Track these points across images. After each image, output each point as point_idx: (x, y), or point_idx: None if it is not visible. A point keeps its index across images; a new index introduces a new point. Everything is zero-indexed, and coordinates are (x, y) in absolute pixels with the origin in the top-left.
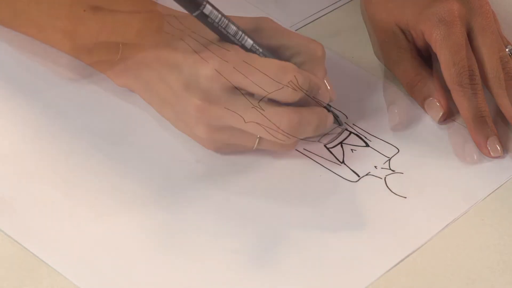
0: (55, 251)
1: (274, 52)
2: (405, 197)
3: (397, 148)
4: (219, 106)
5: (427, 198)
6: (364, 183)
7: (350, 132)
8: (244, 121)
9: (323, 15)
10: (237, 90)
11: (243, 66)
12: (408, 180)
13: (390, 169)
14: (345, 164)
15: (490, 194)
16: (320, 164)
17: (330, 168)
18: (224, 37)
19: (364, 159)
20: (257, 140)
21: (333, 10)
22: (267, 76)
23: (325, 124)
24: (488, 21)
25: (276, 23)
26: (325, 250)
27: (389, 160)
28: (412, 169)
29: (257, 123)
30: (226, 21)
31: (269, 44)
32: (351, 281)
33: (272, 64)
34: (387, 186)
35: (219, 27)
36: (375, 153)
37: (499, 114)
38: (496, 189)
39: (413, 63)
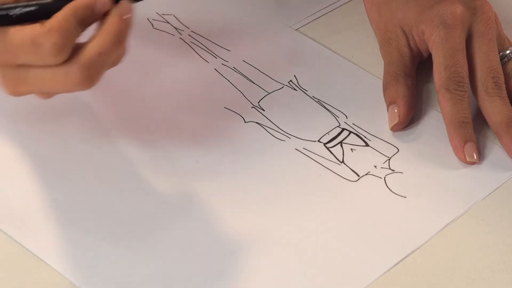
0: (55, 251)
1: None
2: (405, 197)
3: (397, 148)
4: (20, 86)
5: (427, 198)
6: (363, 182)
7: (350, 132)
8: (43, 89)
9: (323, 15)
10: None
11: (3, 47)
12: (408, 180)
13: (389, 168)
14: (344, 163)
15: (489, 194)
16: (320, 164)
17: (329, 168)
18: None
19: (363, 159)
20: None
21: (333, 10)
22: (24, 52)
23: (116, 44)
24: (489, 27)
25: None
26: (325, 250)
27: (389, 159)
28: (412, 169)
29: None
30: None
31: None
32: (351, 281)
33: (22, 40)
34: (387, 186)
35: None
36: (375, 153)
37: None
38: (496, 189)
39: (399, 68)
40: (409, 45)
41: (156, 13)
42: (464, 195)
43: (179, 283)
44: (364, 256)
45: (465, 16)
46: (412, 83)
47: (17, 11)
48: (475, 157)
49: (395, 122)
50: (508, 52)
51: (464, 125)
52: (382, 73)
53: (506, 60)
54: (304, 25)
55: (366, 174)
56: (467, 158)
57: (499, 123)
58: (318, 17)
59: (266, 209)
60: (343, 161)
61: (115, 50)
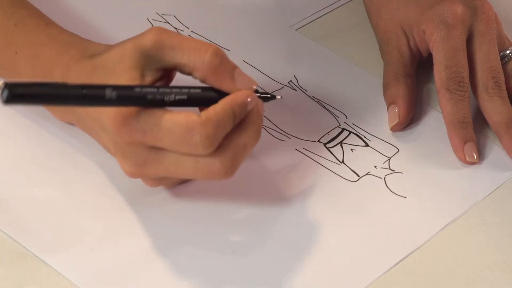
0: (55, 251)
1: (172, 71)
2: (405, 197)
3: (397, 148)
4: (149, 167)
5: (427, 198)
6: (363, 182)
7: (350, 132)
8: (180, 174)
9: (323, 15)
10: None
11: (151, 131)
12: (408, 180)
13: (389, 168)
14: (344, 163)
15: (489, 194)
16: (320, 164)
17: (329, 168)
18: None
19: (363, 159)
20: None
21: (333, 10)
22: (175, 141)
23: (258, 137)
24: (489, 27)
25: (160, 35)
26: (325, 250)
27: (389, 159)
28: (412, 169)
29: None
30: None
31: (163, 65)
32: (351, 281)
33: (177, 124)
34: (387, 186)
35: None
36: (374, 153)
37: (480, 125)
38: (496, 189)
39: (399, 68)
40: (409, 45)
41: (156, 13)
42: (464, 195)
43: (179, 283)
44: (364, 256)
45: (465, 16)
46: (412, 83)
47: (171, 98)
48: (475, 157)
49: (395, 122)
50: (508, 52)
51: (464, 125)
52: (382, 73)
53: (506, 60)
54: (304, 25)
55: (366, 174)
56: (467, 158)
57: (499, 123)
58: (318, 17)
59: (266, 209)
60: (343, 161)
61: (255, 143)
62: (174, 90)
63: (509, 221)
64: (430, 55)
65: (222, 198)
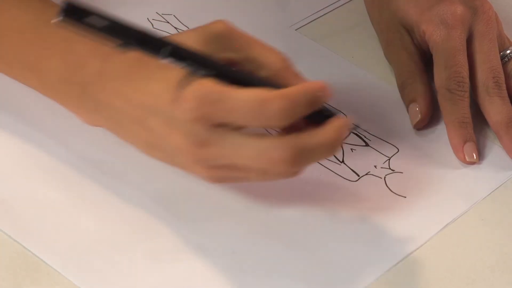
0: (55, 251)
1: (236, 65)
2: (405, 197)
3: (397, 148)
4: (211, 147)
5: (427, 198)
6: (363, 182)
7: (350, 132)
8: (241, 158)
9: (323, 15)
10: (225, 126)
11: (223, 103)
12: (408, 180)
13: (389, 168)
14: (344, 163)
15: (489, 194)
16: (320, 164)
17: (329, 168)
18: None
19: (363, 159)
20: None
21: (333, 10)
22: (249, 112)
23: (329, 152)
24: (489, 27)
25: (230, 26)
26: (324, 250)
27: (389, 159)
28: (412, 169)
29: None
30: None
31: (229, 57)
32: (351, 281)
33: (251, 96)
34: (387, 186)
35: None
36: (374, 153)
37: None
38: (496, 189)
39: (412, 67)
40: (413, 42)
41: (156, 13)
42: (464, 195)
43: (179, 283)
44: (364, 256)
45: (465, 16)
46: (427, 78)
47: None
48: (475, 157)
49: (418, 119)
50: (508, 52)
51: (464, 125)
52: (382, 73)
53: (507, 60)
54: (304, 25)
55: (366, 174)
56: (466, 158)
57: (499, 123)
58: (318, 17)
59: (266, 208)
60: (343, 161)
61: (324, 152)
62: (244, 73)
63: (509, 221)
64: (430, 55)
65: (222, 198)
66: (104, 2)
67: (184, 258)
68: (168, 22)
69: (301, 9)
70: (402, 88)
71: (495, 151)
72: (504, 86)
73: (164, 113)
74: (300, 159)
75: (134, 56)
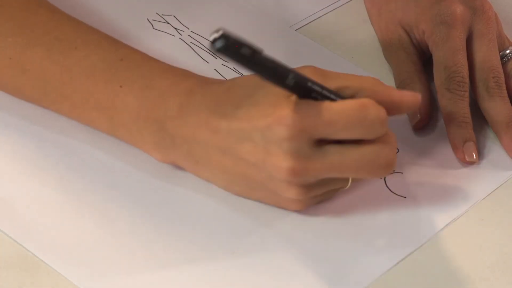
0: (55, 251)
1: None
2: (405, 197)
3: (397, 148)
4: (313, 162)
5: (427, 198)
6: (363, 182)
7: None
8: (342, 169)
9: (323, 15)
10: (322, 140)
11: (321, 116)
12: (408, 180)
13: None
14: None
15: (489, 194)
16: None
17: None
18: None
19: None
20: (350, 180)
21: (333, 10)
22: (350, 120)
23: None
24: (489, 27)
25: (319, 68)
26: (325, 250)
27: None
28: (412, 169)
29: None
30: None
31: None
32: (351, 281)
33: (349, 105)
34: (387, 186)
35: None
36: None
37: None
38: (496, 189)
39: (410, 67)
40: (412, 42)
41: (156, 13)
42: (464, 195)
43: (179, 283)
44: (364, 256)
45: (465, 15)
46: (426, 79)
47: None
48: (475, 157)
49: (417, 119)
50: (508, 51)
51: (464, 125)
52: (382, 73)
53: (506, 59)
54: (304, 25)
55: None
56: (466, 158)
57: (499, 123)
58: (318, 17)
59: (266, 208)
60: None
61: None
62: (332, 94)
63: (509, 221)
64: (430, 55)
65: (222, 198)
66: (105, 3)
67: (184, 258)
68: (168, 23)
69: (301, 9)
70: (400, 88)
71: (495, 151)
72: (504, 85)
73: (259, 136)
74: (394, 162)
75: (230, 85)
